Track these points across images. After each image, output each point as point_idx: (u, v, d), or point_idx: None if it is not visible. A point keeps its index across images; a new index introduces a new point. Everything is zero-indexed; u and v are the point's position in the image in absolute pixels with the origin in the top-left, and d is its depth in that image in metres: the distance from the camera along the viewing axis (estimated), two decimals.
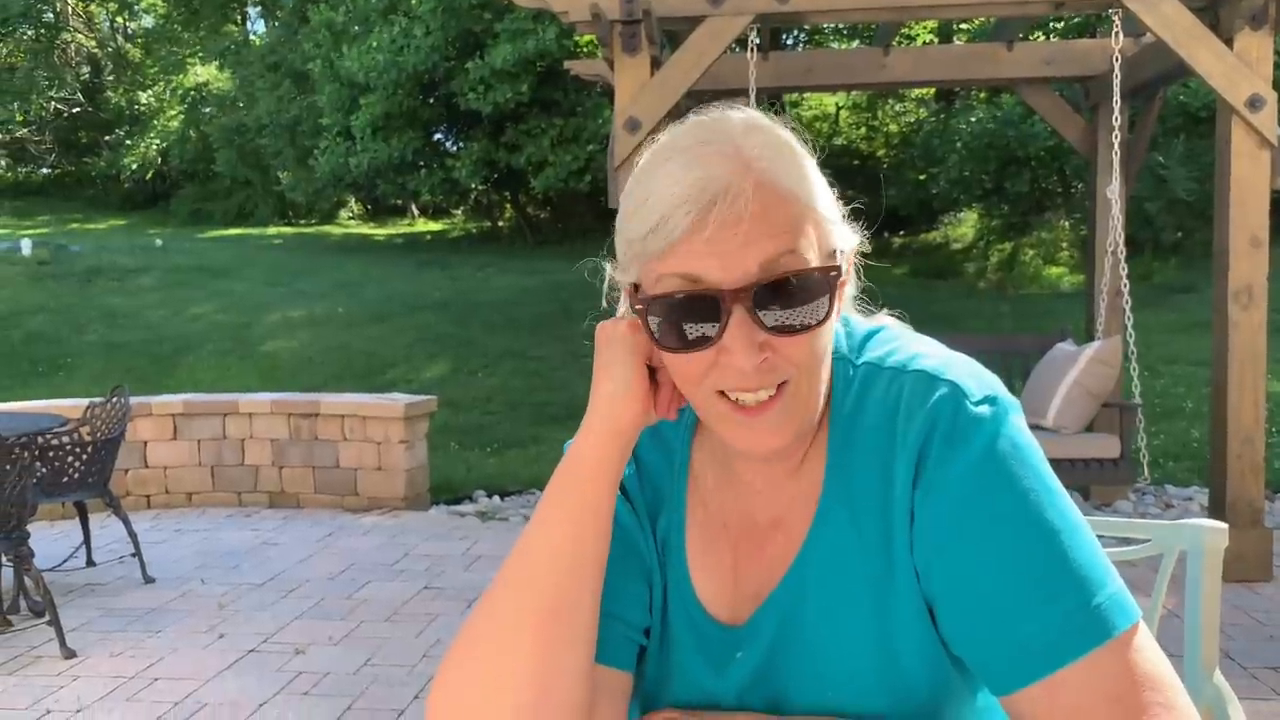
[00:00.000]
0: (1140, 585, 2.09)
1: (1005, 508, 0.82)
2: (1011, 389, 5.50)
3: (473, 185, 15.91)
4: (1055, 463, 4.65)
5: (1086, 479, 5.00)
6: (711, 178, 0.81)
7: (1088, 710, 0.79)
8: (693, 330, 0.83)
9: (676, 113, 4.86)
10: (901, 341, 0.93)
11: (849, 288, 0.93)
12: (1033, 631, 0.80)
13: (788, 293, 0.81)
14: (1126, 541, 1.55)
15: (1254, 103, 4.38)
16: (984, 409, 0.85)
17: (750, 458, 0.91)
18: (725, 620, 0.95)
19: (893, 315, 1.03)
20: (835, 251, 0.85)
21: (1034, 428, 4.96)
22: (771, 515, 0.94)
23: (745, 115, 0.87)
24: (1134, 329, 4.97)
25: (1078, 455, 4.78)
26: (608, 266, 0.92)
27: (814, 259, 0.82)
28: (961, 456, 0.84)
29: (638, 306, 0.85)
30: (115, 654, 3.85)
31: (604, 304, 0.93)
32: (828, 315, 0.83)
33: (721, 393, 0.85)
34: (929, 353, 0.91)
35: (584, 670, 0.86)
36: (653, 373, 0.91)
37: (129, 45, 27.64)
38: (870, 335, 0.95)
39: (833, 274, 0.83)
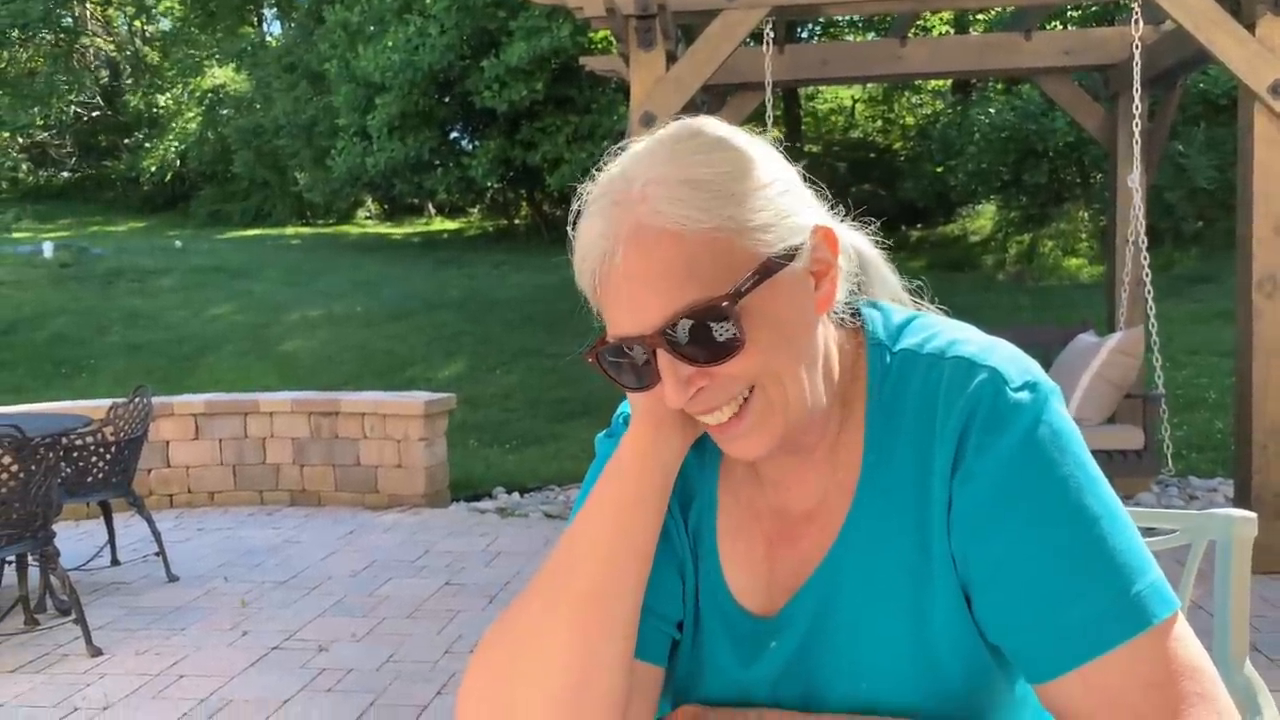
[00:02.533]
0: (1166, 577, 2.06)
1: (1045, 494, 0.82)
2: None
3: (489, 183, 15.94)
4: None
5: (1110, 471, 4.88)
6: (600, 235, 0.83)
7: (1126, 698, 0.78)
8: (636, 373, 0.86)
9: (691, 107, 4.86)
10: (939, 328, 0.92)
11: (842, 260, 0.90)
12: (1072, 619, 0.79)
13: (700, 326, 0.80)
14: (1153, 532, 1.53)
15: (1276, 88, 4.33)
16: (1024, 395, 0.84)
17: (745, 460, 0.92)
18: (758, 612, 0.95)
19: (940, 309, 1.02)
20: (763, 259, 0.82)
21: None
22: (805, 506, 0.94)
23: (669, 138, 0.86)
24: (1156, 319, 4.93)
25: (1100, 447, 4.74)
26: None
27: (716, 286, 0.80)
28: (1001, 442, 0.83)
29: (590, 361, 0.88)
30: (140, 652, 3.88)
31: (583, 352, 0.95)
32: (741, 339, 0.81)
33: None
34: (968, 338, 0.90)
35: (623, 662, 0.87)
36: None
37: (147, 48, 27.83)
38: (907, 322, 0.95)
39: (726, 302, 0.80)
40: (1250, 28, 4.38)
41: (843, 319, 0.93)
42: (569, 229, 0.89)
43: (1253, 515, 1.45)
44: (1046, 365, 5.40)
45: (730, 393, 0.84)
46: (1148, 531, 1.53)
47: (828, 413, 0.90)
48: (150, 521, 4.81)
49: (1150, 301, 4.90)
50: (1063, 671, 0.80)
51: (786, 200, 0.85)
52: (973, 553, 0.84)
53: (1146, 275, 4.92)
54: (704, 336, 0.81)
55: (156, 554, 4.87)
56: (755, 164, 0.85)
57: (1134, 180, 4.94)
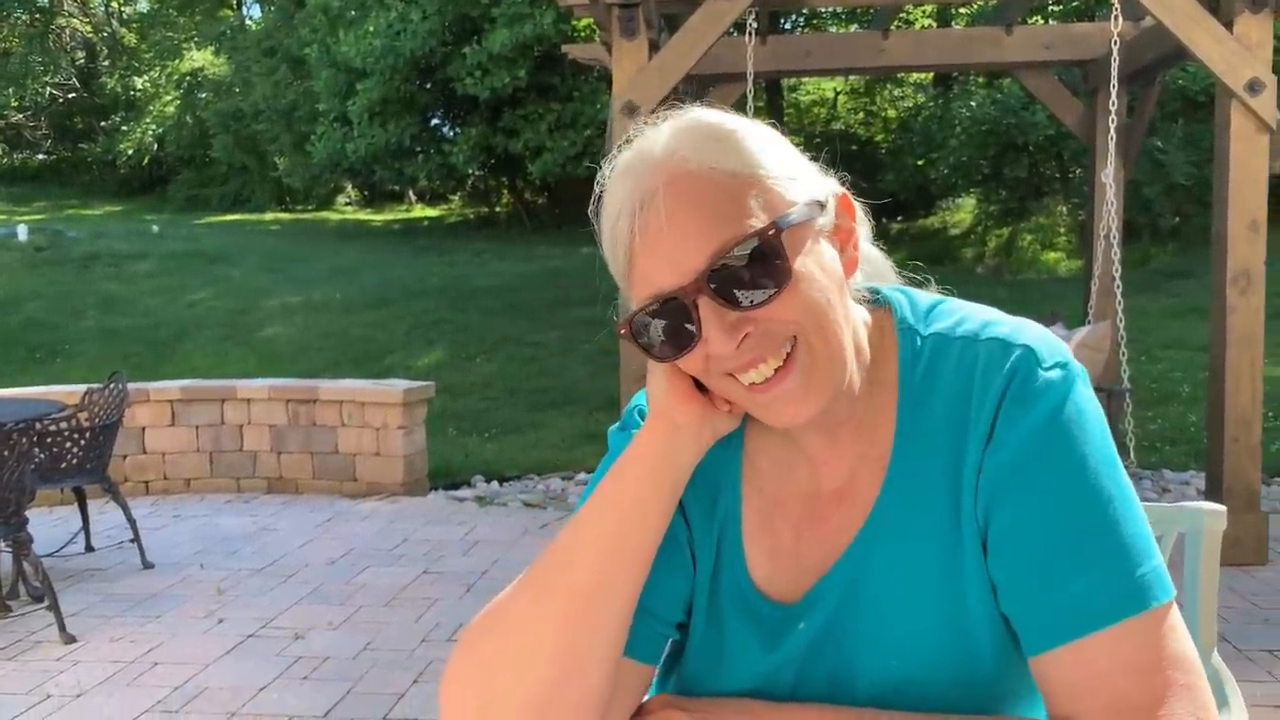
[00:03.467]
0: None
1: (1064, 469, 0.84)
2: None
3: (470, 171, 15.88)
4: None
5: None
6: (632, 190, 0.83)
7: (1112, 678, 0.80)
8: (675, 336, 0.84)
9: (674, 96, 4.85)
10: (968, 312, 0.94)
11: (862, 230, 0.93)
12: (1075, 591, 0.81)
13: (742, 266, 0.81)
14: None
15: (1253, 86, 4.37)
16: (1055, 373, 0.86)
17: (788, 428, 0.90)
18: (784, 599, 0.95)
19: (945, 290, 1.03)
20: (795, 204, 0.84)
21: None
22: (836, 485, 0.94)
23: (681, 113, 0.89)
24: (1125, 314, 4.97)
25: None
26: (622, 290, 0.93)
27: (759, 222, 0.82)
28: (1029, 416, 0.85)
29: (623, 334, 0.87)
30: (115, 639, 3.86)
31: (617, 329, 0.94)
32: (789, 273, 0.82)
33: (735, 378, 0.86)
34: (999, 319, 0.92)
35: (608, 662, 0.87)
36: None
37: (124, 30, 27.50)
38: (934, 306, 0.96)
39: (772, 232, 0.82)
40: (1228, 25, 4.41)
41: (866, 298, 0.95)
42: (590, 213, 0.90)
43: (1222, 508, 1.47)
44: None
45: (776, 341, 0.84)
46: None
47: (858, 390, 0.91)
48: (125, 508, 4.78)
49: (1120, 296, 4.94)
50: (1059, 643, 0.81)
51: (801, 159, 0.89)
52: (993, 519, 0.86)
53: (1117, 270, 4.96)
54: (747, 274, 0.82)
55: (131, 541, 4.83)
56: (765, 131, 0.89)
57: (1108, 175, 4.97)
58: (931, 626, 0.89)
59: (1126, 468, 4.78)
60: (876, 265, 1.02)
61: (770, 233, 0.81)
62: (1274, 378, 7.47)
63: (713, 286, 0.81)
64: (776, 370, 0.84)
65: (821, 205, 0.87)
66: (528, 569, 0.89)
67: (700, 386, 0.90)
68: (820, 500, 0.95)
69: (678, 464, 0.90)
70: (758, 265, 0.81)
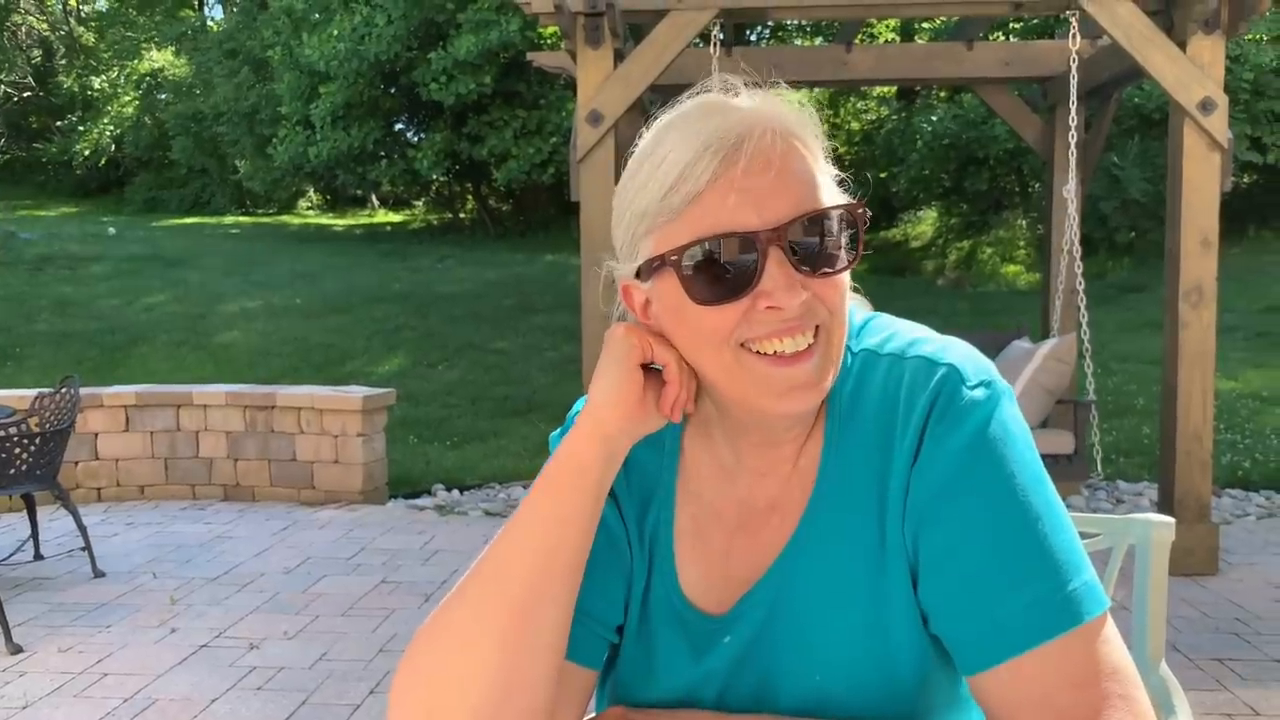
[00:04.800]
0: None
1: (991, 488, 0.84)
2: None
3: (434, 176, 15.79)
4: None
5: None
6: (732, 125, 0.83)
7: (1050, 694, 0.80)
8: (729, 277, 0.82)
9: (639, 106, 4.86)
10: (897, 328, 0.95)
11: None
12: (1007, 610, 0.81)
13: (821, 233, 0.83)
14: (1081, 536, 1.57)
15: (1205, 105, 4.46)
16: (979, 392, 0.87)
17: (778, 419, 0.89)
18: (712, 610, 0.94)
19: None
20: (863, 200, 0.88)
21: None
22: (768, 498, 0.94)
23: (749, 91, 0.89)
24: (1088, 327, 5.05)
25: None
26: (607, 263, 0.92)
27: (839, 197, 0.86)
28: (955, 435, 0.85)
29: (671, 259, 0.84)
30: (63, 649, 3.77)
31: (602, 307, 0.93)
32: (857, 254, 0.85)
33: (751, 350, 0.84)
34: (927, 337, 0.93)
35: (550, 674, 0.86)
36: (655, 373, 0.90)
37: (82, 28, 27.07)
38: (866, 323, 0.97)
39: (861, 210, 0.85)
40: (1182, 46, 4.50)
41: None
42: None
43: (1171, 520, 1.49)
44: None
45: (813, 318, 0.84)
46: (1079, 536, 1.57)
47: None
48: (76, 515, 4.69)
49: (1083, 309, 5.02)
50: (995, 663, 0.81)
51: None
52: (921, 541, 0.86)
53: (1080, 284, 5.04)
54: (825, 241, 0.83)
55: (82, 549, 4.74)
56: None
57: (1069, 190, 5.05)
58: (853, 641, 0.89)
59: (1091, 479, 4.84)
60: None
61: (859, 210, 0.85)
62: (1225, 392, 7.63)
63: (791, 241, 0.82)
64: (807, 347, 0.85)
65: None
66: (462, 583, 0.88)
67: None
68: (754, 511, 0.95)
69: (605, 469, 0.89)
70: (837, 236, 0.84)
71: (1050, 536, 0.83)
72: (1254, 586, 4.31)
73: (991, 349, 5.60)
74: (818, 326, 0.85)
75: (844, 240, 0.85)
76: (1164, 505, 4.72)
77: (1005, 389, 0.89)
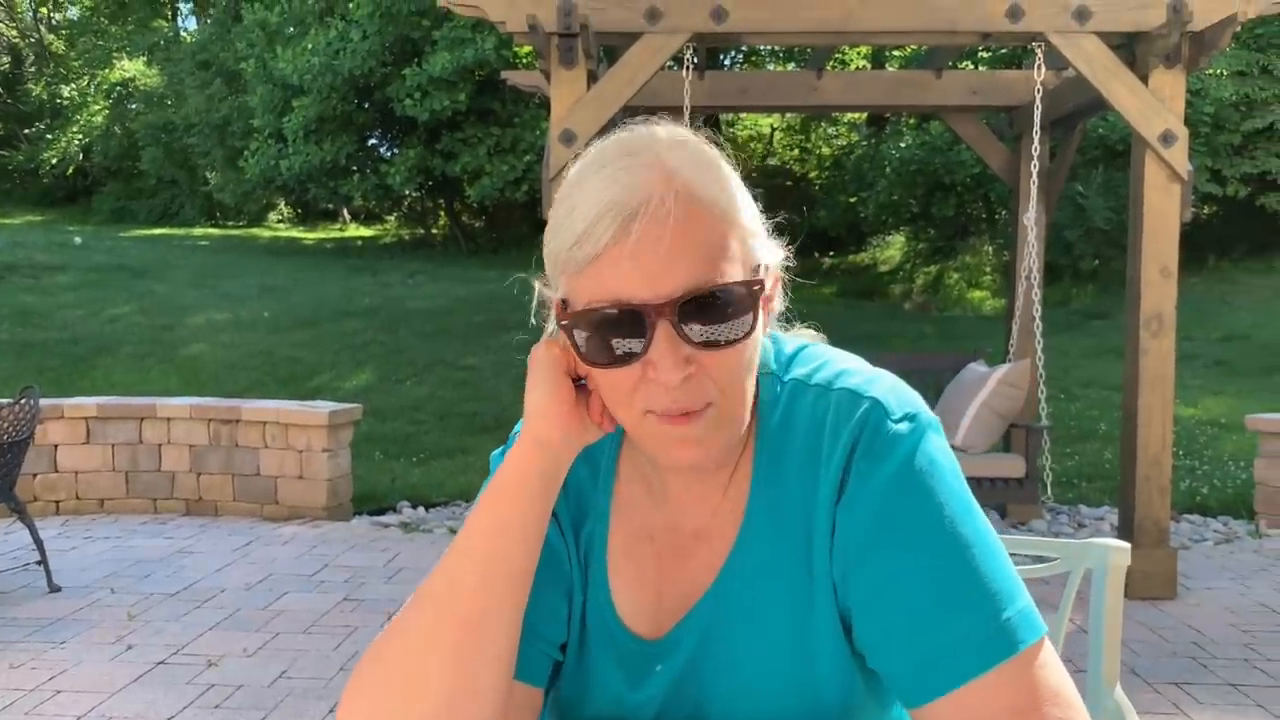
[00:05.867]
0: (1051, 601, 2.15)
1: (920, 522, 0.84)
2: None
3: (407, 192, 15.77)
4: None
5: (993, 497, 5.14)
6: (635, 188, 0.80)
7: None
8: (619, 346, 0.82)
9: (612, 127, 4.88)
10: (827, 358, 0.95)
11: (775, 303, 0.94)
12: (943, 643, 0.82)
13: (712, 307, 0.81)
14: (1040, 560, 1.59)
15: (1166, 138, 4.55)
16: (903, 426, 0.87)
17: (677, 470, 0.91)
18: (645, 634, 0.95)
19: (809, 326, 1.04)
20: (759, 265, 0.86)
21: None
22: (696, 526, 0.95)
23: (670, 129, 0.88)
24: (1045, 353, 5.12)
25: (984, 474, 4.92)
26: (537, 283, 0.91)
27: (738, 273, 0.82)
28: (880, 471, 0.86)
29: (563, 323, 0.85)
30: (15, 666, 3.70)
31: (533, 321, 0.92)
32: (752, 329, 0.83)
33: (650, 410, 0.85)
34: (854, 369, 0.93)
35: (499, 685, 0.86)
36: (583, 386, 0.90)
37: (52, 37, 26.81)
38: (797, 352, 0.97)
39: (755, 288, 0.83)
40: (1144, 79, 4.60)
41: None
42: (548, 185, 0.88)
43: (1126, 545, 1.51)
44: (937, 392, 5.59)
45: (702, 395, 0.83)
46: (1034, 559, 1.59)
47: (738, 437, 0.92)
48: (32, 528, 4.60)
49: (1039, 336, 5.08)
50: (935, 696, 0.82)
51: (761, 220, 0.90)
52: (851, 578, 0.87)
53: (1038, 310, 5.11)
54: (723, 314, 0.81)
55: (38, 563, 4.65)
56: (737, 174, 0.89)
57: (1029, 218, 5.13)
58: (779, 672, 0.90)
59: (1043, 502, 4.90)
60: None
61: (755, 287, 0.83)
62: (1185, 418, 7.75)
63: (679, 316, 0.80)
64: (693, 412, 0.84)
65: (768, 269, 0.88)
66: (410, 601, 0.88)
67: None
68: (682, 537, 0.95)
69: (550, 481, 0.89)
70: (730, 312, 0.81)
71: (982, 566, 0.84)
72: (1211, 611, 4.37)
73: (947, 371, 5.68)
74: (709, 402, 0.84)
75: (742, 315, 0.82)
76: (1124, 529, 4.78)
77: (930, 421, 0.89)
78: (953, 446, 4.47)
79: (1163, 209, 4.63)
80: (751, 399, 0.89)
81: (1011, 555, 1.49)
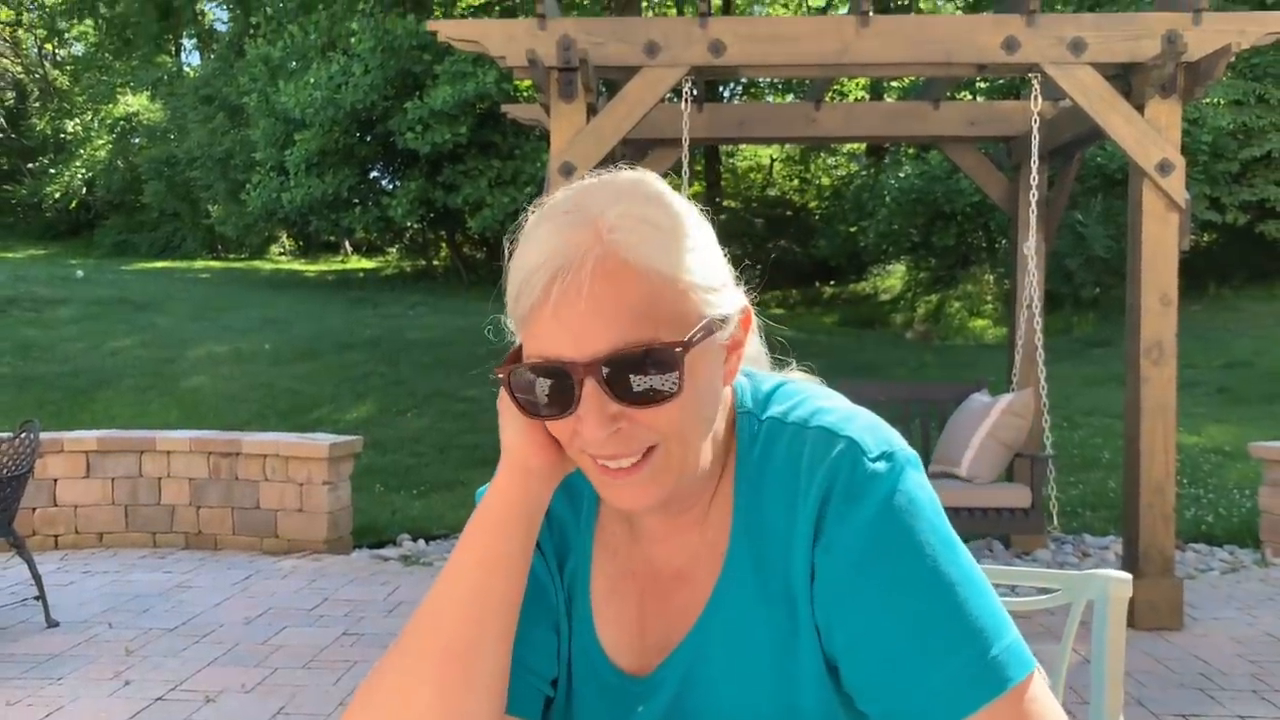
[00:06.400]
0: (1054, 632, 2.13)
1: (902, 563, 0.84)
2: (927, 438, 5.63)
3: (408, 224, 15.83)
4: (969, 511, 4.71)
5: (999, 527, 5.11)
6: (560, 250, 0.81)
7: None
8: (551, 400, 0.83)
9: (611, 159, 4.91)
10: (804, 396, 0.94)
11: (750, 346, 0.94)
12: (932, 684, 0.81)
13: (639, 366, 0.80)
14: (1042, 591, 1.58)
15: (1163, 167, 4.57)
16: (880, 464, 0.86)
17: (627, 512, 0.92)
18: (629, 670, 0.95)
19: (803, 368, 1.04)
20: (703, 319, 0.84)
21: (948, 476, 5.07)
22: (676, 566, 0.94)
23: (628, 180, 0.88)
24: (1048, 382, 5.11)
25: (990, 504, 4.88)
26: (509, 322, 0.92)
27: (667, 332, 0.81)
28: (859, 512, 0.85)
29: (500, 375, 0.87)
30: (11, 703, 3.66)
31: (496, 369, 0.93)
32: (679, 388, 0.82)
33: (588, 454, 0.86)
34: (830, 407, 0.92)
35: (491, 717, 0.86)
36: None
37: (56, 72, 27.06)
38: (774, 390, 0.96)
39: (679, 349, 0.81)
40: (1140, 109, 4.63)
41: None
42: (505, 243, 0.88)
43: (1127, 576, 1.50)
44: (940, 423, 5.57)
45: (641, 442, 0.83)
46: (1037, 591, 1.57)
47: (705, 477, 0.91)
48: (31, 563, 4.58)
49: (1043, 365, 5.08)
50: None
51: (724, 268, 0.89)
52: (836, 623, 0.86)
53: (1039, 339, 5.11)
54: (643, 377, 0.81)
55: (36, 598, 4.62)
56: (700, 224, 0.88)
57: (1029, 248, 5.14)
58: (762, 713, 0.89)
59: (1049, 532, 4.86)
60: (755, 360, 1.01)
61: (677, 349, 0.81)
62: (1188, 446, 7.72)
63: (605, 374, 0.80)
64: (633, 463, 0.84)
65: (724, 320, 0.86)
66: (399, 636, 0.88)
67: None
68: (662, 578, 0.95)
69: (533, 509, 0.90)
70: (654, 372, 0.81)
71: (968, 603, 0.83)
72: (1218, 642, 4.33)
73: (950, 402, 5.66)
74: (651, 445, 0.84)
75: (669, 372, 0.81)
76: (1128, 559, 4.75)
77: (909, 457, 0.88)
78: (958, 477, 4.41)
79: (1161, 237, 4.64)
80: (711, 443, 0.89)
81: (1013, 587, 1.48)
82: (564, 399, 0.83)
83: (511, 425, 0.90)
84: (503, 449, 0.91)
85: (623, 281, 0.80)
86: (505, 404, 0.90)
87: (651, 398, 0.81)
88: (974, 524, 4.93)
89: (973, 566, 0.86)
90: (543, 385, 0.83)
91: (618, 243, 0.81)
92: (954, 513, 4.75)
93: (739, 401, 0.94)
